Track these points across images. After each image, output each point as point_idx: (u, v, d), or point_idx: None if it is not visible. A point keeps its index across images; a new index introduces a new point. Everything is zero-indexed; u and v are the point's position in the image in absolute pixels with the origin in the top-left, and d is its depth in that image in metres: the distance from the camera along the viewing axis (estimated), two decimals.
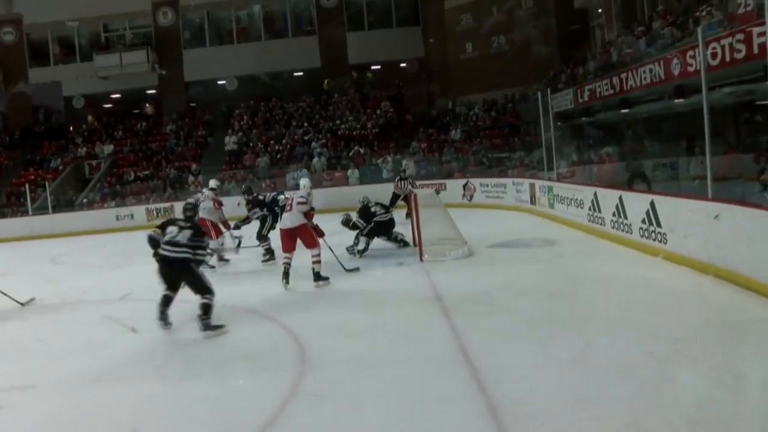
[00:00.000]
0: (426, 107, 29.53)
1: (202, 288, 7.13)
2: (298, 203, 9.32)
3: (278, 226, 10.05)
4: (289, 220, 9.28)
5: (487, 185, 18.84)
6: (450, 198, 18.05)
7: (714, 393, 4.45)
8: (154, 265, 7.28)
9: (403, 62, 30.16)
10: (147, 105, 32.55)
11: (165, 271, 7.23)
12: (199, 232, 7.45)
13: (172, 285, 7.28)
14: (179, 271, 7.17)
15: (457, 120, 26.40)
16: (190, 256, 7.16)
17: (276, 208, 11.87)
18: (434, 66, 29.85)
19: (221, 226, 12.06)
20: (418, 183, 17.82)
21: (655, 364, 5.10)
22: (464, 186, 19.59)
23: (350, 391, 5.13)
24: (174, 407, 5.16)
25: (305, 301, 8.54)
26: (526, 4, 26.65)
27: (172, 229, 7.28)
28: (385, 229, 11.84)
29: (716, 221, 7.47)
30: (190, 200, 9.13)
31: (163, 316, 7.26)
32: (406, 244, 11.89)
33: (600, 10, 24.03)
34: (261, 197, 12.47)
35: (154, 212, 22.37)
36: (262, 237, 11.94)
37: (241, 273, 11.13)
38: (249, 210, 12.18)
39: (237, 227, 12.22)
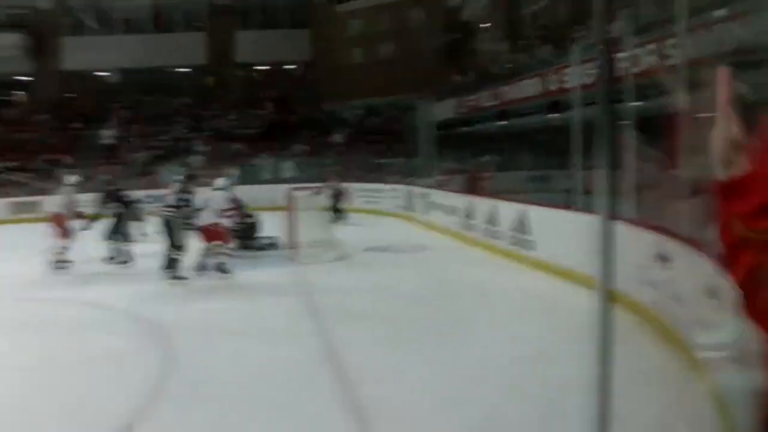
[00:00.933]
0: (310, 110, 29.24)
1: (175, 243, 8.75)
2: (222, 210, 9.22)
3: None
4: (204, 217, 9.15)
5: (366, 190, 18.84)
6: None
7: (571, 391, 4.48)
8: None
9: (290, 64, 29.82)
10: (18, 92, 30.29)
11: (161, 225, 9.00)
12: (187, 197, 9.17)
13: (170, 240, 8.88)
14: (167, 225, 8.81)
15: (341, 124, 26.34)
16: (173, 214, 8.83)
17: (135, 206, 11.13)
18: (321, 69, 29.60)
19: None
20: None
21: (518, 366, 5.21)
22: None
23: (215, 393, 4.93)
24: (32, 410, 4.68)
25: (176, 301, 8.16)
26: (416, 14, 26.97)
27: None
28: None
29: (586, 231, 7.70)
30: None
31: (179, 275, 8.87)
32: (273, 246, 11.57)
33: (485, 25, 24.66)
34: (121, 193, 11.44)
35: (21, 206, 20.78)
36: (112, 235, 10.66)
37: (110, 274, 10.09)
38: (105, 203, 11.04)
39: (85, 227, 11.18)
